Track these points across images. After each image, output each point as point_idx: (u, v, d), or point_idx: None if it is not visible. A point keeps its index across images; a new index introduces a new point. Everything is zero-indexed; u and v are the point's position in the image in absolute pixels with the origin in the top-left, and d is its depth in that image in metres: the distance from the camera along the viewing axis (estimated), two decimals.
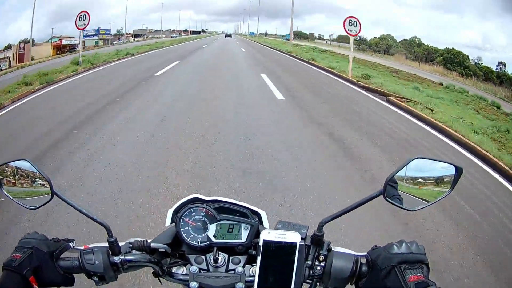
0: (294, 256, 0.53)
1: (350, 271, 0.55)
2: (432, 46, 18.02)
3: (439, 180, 0.56)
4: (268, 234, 0.53)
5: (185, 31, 33.40)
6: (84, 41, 18.42)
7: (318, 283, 0.57)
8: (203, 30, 38.48)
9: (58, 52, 17.08)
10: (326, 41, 27.53)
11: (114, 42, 21.50)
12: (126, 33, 22.74)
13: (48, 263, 0.57)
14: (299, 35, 31.12)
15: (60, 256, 0.60)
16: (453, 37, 21.75)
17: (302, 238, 0.53)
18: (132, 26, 26.62)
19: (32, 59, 14.43)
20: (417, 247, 0.52)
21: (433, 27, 21.93)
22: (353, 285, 0.56)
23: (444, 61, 16.74)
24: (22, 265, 0.55)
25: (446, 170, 0.55)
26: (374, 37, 22.42)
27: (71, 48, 18.19)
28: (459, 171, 0.55)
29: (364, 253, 0.56)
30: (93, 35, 20.56)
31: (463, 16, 21.85)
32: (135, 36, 22.91)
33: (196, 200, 0.64)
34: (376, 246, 0.55)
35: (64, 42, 18.31)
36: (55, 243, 0.60)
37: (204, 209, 0.63)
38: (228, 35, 38.90)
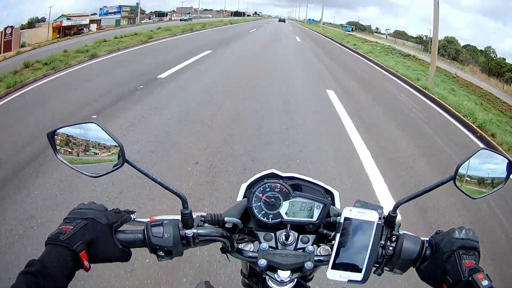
0: (371, 235, 0.55)
1: (416, 253, 0.58)
2: (502, 58, 16.18)
3: (496, 172, 0.61)
4: (349, 212, 0.56)
5: (236, 12, 31.49)
6: (99, 21, 16.18)
7: (385, 265, 0.60)
8: (256, 13, 38.35)
9: (58, 36, 14.24)
10: (386, 36, 26.93)
11: (143, 21, 20.44)
12: (145, 13, 20.87)
13: (106, 236, 0.54)
14: (358, 27, 31.25)
15: (119, 229, 0.57)
16: (498, 43, 20.47)
17: (379, 218, 0.56)
18: (175, 4, 25.07)
19: (22, 46, 12.31)
20: (474, 234, 0.57)
21: (483, 32, 20.33)
22: (415, 268, 0.60)
23: None
24: (74, 238, 0.50)
25: (503, 163, 0.61)
26: (441, 39, 20.44)
27: (79, 29, 15.29)
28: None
29: (428, 238, 0.60)
30: (114, 13, 17.57)
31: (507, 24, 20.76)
32: (159, 15, 22.00)
33: (272, 175, 0.65)
34: (439, 230, 0.60)
35: (65, 23, 14.57)
36: (115, 214, 0.57)
37: (279, 185, 0.64)
38: (282, 20, 40.89)
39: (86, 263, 0.51)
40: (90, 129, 0.56)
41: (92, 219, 0.53)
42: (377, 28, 29.46)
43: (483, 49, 17.81)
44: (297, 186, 0.65)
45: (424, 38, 22.25)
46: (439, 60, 16.50)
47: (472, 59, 17.90)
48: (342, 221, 0.56)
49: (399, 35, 24.65)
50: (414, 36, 23.62)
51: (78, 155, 0.57)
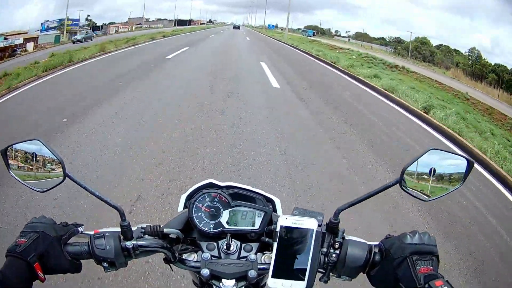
0: (311, 242, 0.55)
1: (364, 260, 0.58)
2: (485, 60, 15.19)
3: (451, 173, 0.59)
4: (285, 220, 0.56)
5: (180, 21, 28.17)
6: (36, 38, 13.83)
7: (331, 271, 0.60)
8: (210, 21, 37.03)
9: None
10: (348, 39, 25.60)
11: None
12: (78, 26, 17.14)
13: (55, 249, 0.57)
14: (318, 31, 29.49)
15: (68, 242, 0.61)
16: (463, 40, 20.26)
17: (318, 225, 0.56)
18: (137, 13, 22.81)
19: None
20: (429, 238, 0.55)
21: (448, 29, 20.12)
22: (365, 274, 0.59)
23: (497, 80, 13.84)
24: (27, 250, 0.54)
25: (457, 162, 0.59)
26: (413, 40, 19.74)
27: (13, 50, 12.69)
28: (470, 164, 0.58)
29: (377, 242, 0.60)
30: (55, 28, 15.64)
31: (473, 20, 20.65)
32: (95, 28, 18.27)
33: (210, 185, 0.67)
34: (389, 235, 0.59)
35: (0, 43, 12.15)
36: (63, 227, 0.61)
37: (218, 195, 0.66)
38: (236, 27, 39.92)
39: (40, 274, 0.54)
40: (36, 145, 0.61)
41: (43, 232, 0.57)
42: (336, 31, 28.32)
43: (455, 48, 17.48)
44: (236, 195, 0.67)
45: (387, 39, 22.00)
46: (415, 64, 16.01)
47: (448, 60, 17.14)
48: (278, 229, 0.56)
49: (361, 37, 23.73)
50: (377, 37, 23.23)
51: (28, 171, 0.62)
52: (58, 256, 0.57)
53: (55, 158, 0.60)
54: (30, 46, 13.42)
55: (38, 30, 14.69)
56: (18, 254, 0.53)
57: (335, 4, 38.12)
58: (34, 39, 14.19)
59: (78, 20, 16.66)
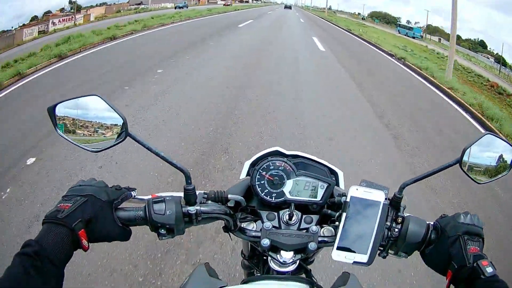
0: (377, 215, 0.56)
1: (422, 236, 0.59)
2: None
3: (501, 159, 0.62)
4: (356, 191, 0.57)
5: None
6: None
7: (390, 248, 0.60)
8: None
9: None
10: (439, 39, 20.20)
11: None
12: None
13: (106, 214, 0.54)
14: (380, 20, 24.67)
15: (119, 207, 0.57)
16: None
17: (385, 199, 0.57)
18: None
19: None
20: (479, 220, 0.58)
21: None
22: (419, 252, 0.60)
23: None
24: (72, 216, 0.50)
25: (509, 150, 0.61)
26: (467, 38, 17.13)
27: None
28: None
29: (433, 222, 0.61)
30: None
31: None
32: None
33: (276, 153, 0.66)
34: (444, 214, 0.61)
35: None
36: (116, 191, 0.57)
37: (283, 163, 0.64)
38: (288, 7, 39.08)
39: (84, 242, 0.50)
40: (93, 102, 0.56)
41: (92, 195, 0.53)
42: (408, 21, 22.90)
43: None
44: (301, 165, 0.66)
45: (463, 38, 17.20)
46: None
47: None
48: (348, 199, 0.56)
49: (435, 32, 18.81)
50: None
51: (79, 129, 0.57)
52: (109, 222, 0.54)
53: (117, 115, 0.56)
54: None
55: None
56: (60, 221, 0.49)
57: None
58: None
59: None
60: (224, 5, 31.38)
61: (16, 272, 0.42)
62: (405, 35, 19.08)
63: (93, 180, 0.57)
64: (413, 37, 18.11)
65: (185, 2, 25.33)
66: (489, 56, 16.91)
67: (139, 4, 19.70)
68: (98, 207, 0.53)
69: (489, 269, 0.50)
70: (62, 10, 13.91)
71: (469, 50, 17.79)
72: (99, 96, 0.56)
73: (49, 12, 13.39)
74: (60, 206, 0.51)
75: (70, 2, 14.12)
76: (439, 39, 19.26)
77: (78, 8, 14.69)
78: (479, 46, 17.75)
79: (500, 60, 15.59)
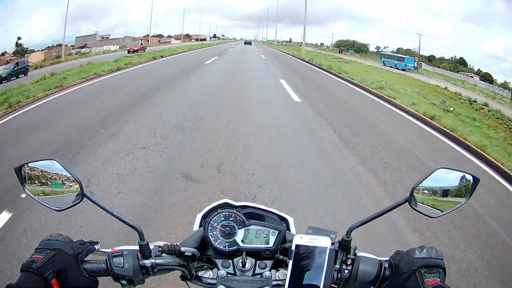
0: (324, 260, 0.59)
1: (374, 275, 0.60)
2: None
3: (457, 189, 0.63)
4: (300, 239, 0.60)
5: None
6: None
7: (343, 287, 0.62)
8: (215, 36, 34.00)
9: None
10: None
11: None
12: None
13: (73, 266, 0.59)
14: (353, 48, 22.79)
15: (85, 259, 0.62)
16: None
17: (331, 243, 0.60)
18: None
19: None
20: (436, 252, 0.58)
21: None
22: None
23: None
24: (45, 267, 0.55)
25: (464, 179, 0.62)
26: (447, 59, 16.53)
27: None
28: (476, 180, 0.62)
29: (387, 258, 0.62)
30: None
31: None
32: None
33: (225, 205, 0.69)
34: (399, 251, 0.62)
35: None
36: (80, 245, 0.62)
37: (233, 214, 0.68)
38: (248, 42, 37.45)
39: None
40: (53, 165, 0.63)
41: (60, 249, 0.59)
42: (377, 48, 21.08)
43: None
44: (251, 214, 0.69)
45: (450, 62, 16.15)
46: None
47: None
48: (293, 248, 0.59)
49: (408, 54, 17.43)
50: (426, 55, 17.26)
51: (43, 189, 0.64)
52: (76, 273, 0.58)
53: (74, 178, 0.62)
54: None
55: None
56: (35, 270, 0.54)
57: (350, 16, 34.17)
58: None
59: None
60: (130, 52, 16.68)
61: None
62: (393, 67, 15.75)
63: (60, 235, 0.62)
64: (403, 70, 14.88)
65: (141, 44, 19.89)
66: (472, 75, 15.85)
67: (82, 47, 17.66)
68: (65, 260, 0.58)
69: None
70: (3, 54, 12.49)
71: (450, 71, 16.56)
72: (57, 161, 0.62)
73: None
74: (34, 257, 0.57)
75: (16, 45, 13.01)
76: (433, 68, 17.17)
77: (23, 52, 13.36)
78: (460, 64, 16.84)
79: (487, 78, 14.06)
